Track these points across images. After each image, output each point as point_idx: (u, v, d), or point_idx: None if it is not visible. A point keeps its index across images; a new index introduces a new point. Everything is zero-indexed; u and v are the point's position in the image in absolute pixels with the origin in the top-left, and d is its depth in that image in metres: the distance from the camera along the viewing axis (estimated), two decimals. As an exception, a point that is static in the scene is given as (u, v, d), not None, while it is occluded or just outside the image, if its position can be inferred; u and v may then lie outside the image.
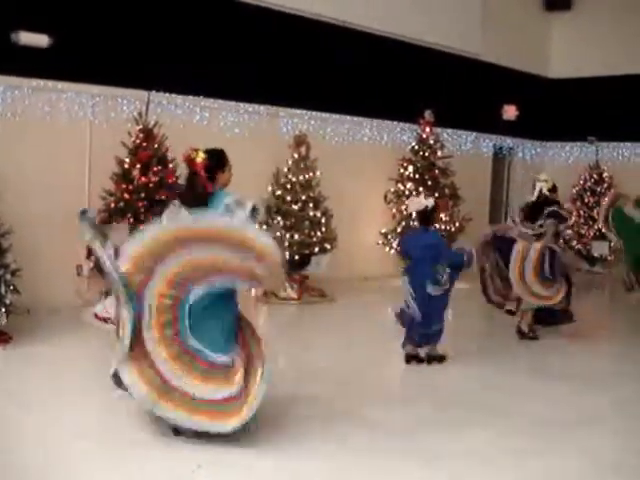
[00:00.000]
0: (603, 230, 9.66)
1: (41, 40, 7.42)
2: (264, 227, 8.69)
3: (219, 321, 4.35)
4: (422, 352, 6.46)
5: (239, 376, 4.28)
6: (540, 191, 7.59)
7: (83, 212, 4.38)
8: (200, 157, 4.48)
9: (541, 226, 7.41)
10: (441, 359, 6.45)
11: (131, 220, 7.36)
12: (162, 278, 4.20)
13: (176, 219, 4.42)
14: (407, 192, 10.78)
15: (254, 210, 4.44)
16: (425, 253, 6.28)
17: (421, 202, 6.46)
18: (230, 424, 4.22)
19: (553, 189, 7.76)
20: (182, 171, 7.59)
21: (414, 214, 6.86)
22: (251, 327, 4.64)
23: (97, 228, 4.45)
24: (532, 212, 7.58)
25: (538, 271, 7.28)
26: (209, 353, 4.29)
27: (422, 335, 6.39)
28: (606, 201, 9.52)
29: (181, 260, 4.18)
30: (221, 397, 4.26)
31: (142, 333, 4.20)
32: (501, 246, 7.55)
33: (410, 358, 6.44)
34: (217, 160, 4.60)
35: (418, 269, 6.32)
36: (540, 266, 7.30)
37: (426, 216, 6.44)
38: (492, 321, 7.92)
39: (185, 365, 4.27)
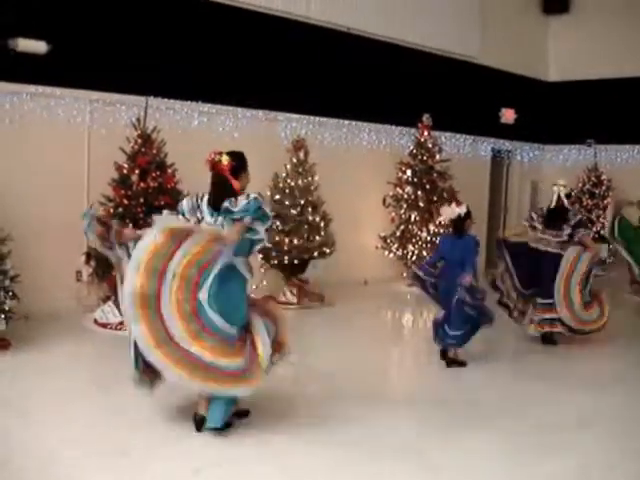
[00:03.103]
0: (611, 244, 9.59)
1: (39, 47, 7.44)
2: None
3: (231, 295, 4.53)
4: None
5: (246, 349, 4.51)
6: (558, 196, 7.51)
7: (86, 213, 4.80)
8: (225, 159, 4.61)
9: (571, 235, 7.34)
10: (461, 364, 6.53)
11: (130, 225, 7.37)
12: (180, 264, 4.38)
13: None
14: (405, 196, 10.80)
15: (257, 199, 4.53)
16: (459, 257, 6.35)
17: (454, 211, 6.54)
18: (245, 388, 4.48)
19: (569, 195, 7.75)
20: (183, 175, 7.69)
21: (447, 222, 6.89)
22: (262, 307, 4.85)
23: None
24: (553, 218, 7.50)
25: (581, 289, 7.29)
26: (223, 324, 4.47)
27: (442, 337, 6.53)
28: (609, 210, 9.46)
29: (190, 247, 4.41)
30: (234, 369, 4.44)
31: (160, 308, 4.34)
32: (514, 250, 7.51)
33: (451, 362, 6.54)
34: (240, 162, 4.72)
35: (451, 272, 6.36)
36: (585, 282, 7.32)
37: (459, 224, 6.52)
38: (495, 323, 7.92)
39: (196, 334, 4.41)
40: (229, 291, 4.51)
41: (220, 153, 4.64)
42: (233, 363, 4.44)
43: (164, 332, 4.32)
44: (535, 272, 7.38)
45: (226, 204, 4.50)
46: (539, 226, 7.52)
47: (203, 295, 4.42)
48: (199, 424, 4.59)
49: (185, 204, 4.75)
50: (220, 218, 4.55)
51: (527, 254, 7.43)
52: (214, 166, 4.63)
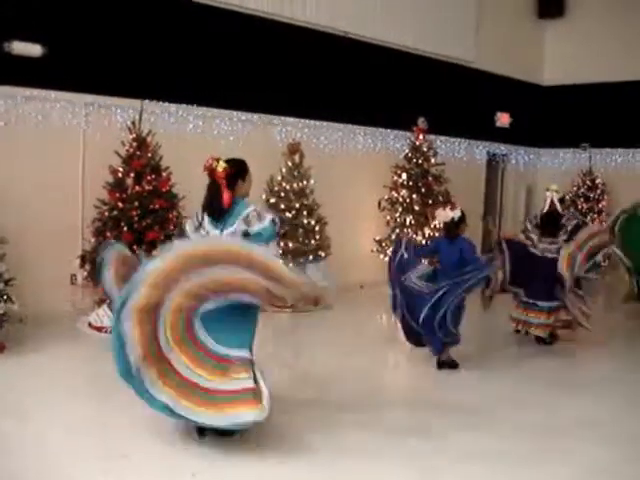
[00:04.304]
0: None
1: (34, 50, 7.44)
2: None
3: (236, 323, 4.35)
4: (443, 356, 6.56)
5: (251, 370, 4.34)
6: (551, 201, 7.55)
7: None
8: (221, 166, 4.56)
9: (567, 241, 7.36)
10: (453, 365, 6.53)
11: (125, 229, 7.37)
12: (182, 291, 4.17)
13: (204, 238, 4.53)
14: (401, 199, 10.80)
15: (273, 222, 4.53)
16: (456, 259, 6.35)
17: (447, 214, 6.54)
18: (252, 414, 4.19)
19: (562, 200, 7.78)
20: (189, 180, 7.69)
21: (441, 225, 6.91)
22: None
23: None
24: (547, 224, 7.54)
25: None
26: (224, 349, 4.30)
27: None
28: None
29: (204, 276, 4.17)
30: (240, 388, 4.26)
31: (160, 347, 4.20)
32: (515, 248, 7.57)
33: (442, 364, 6.52)
34: (238, 169, 4.67)
35: (444, 276, 6.36)
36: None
37: (452, 227, 6.51)
38: (493, 326, 7.94)
39: (201, 363, 4.27)
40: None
41: (217, 159, 4.58)
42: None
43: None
44: (529, 272, 7.41)
45: (242, 225, 4.46)
46: (534, 236, 7.56)
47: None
48: (201, 429, 4.52)
49: (188, 226, 4.74)
50: (224, 228, 4.53)
51: (525, 256, 7.49)
52: (210, 172, 4.59)
